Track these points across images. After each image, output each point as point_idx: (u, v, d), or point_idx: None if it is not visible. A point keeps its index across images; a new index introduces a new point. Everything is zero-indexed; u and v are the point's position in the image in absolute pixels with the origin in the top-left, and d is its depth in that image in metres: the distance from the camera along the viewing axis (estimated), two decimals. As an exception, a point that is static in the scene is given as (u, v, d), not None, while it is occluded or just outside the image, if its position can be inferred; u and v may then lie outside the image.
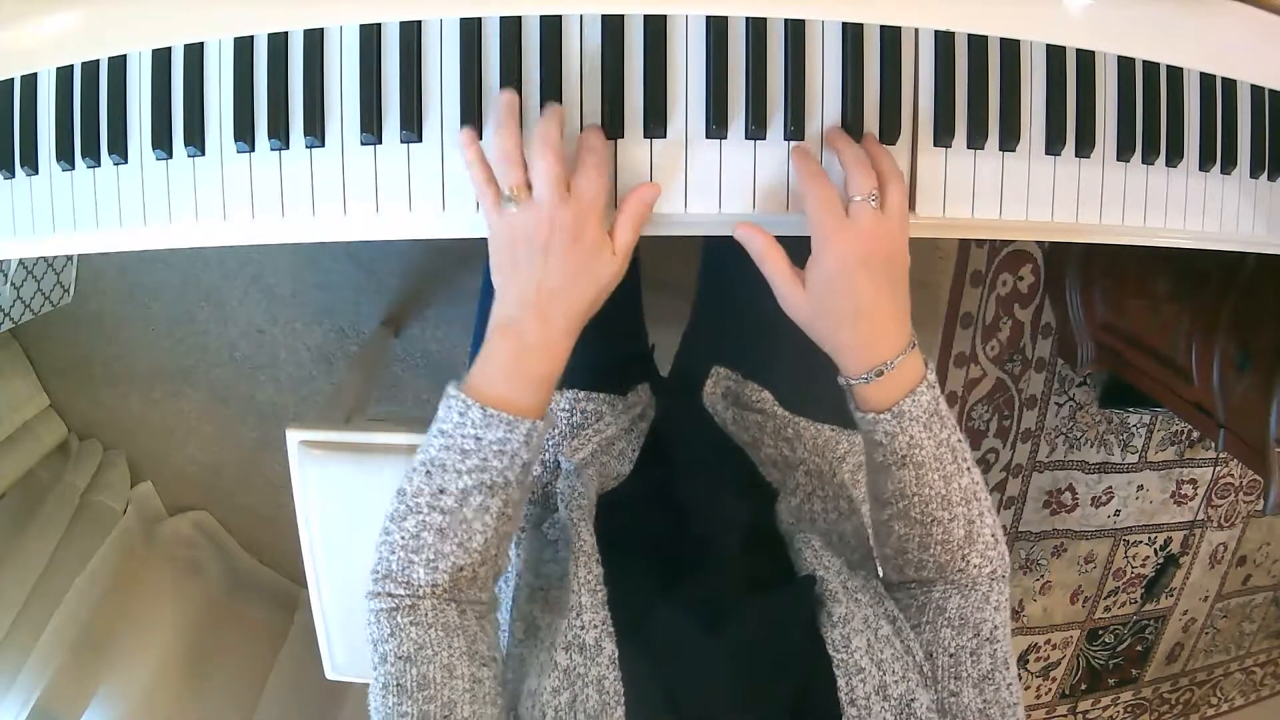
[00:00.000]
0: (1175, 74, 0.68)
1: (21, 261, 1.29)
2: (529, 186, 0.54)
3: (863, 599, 0.56)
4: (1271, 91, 0.71)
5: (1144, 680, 2.25)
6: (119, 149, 0.62)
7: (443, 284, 1.58)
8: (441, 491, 0.55)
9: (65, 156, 0.64)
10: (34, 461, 1.49)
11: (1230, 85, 0.70)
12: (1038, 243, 1.69)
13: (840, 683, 0.51)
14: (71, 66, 0.62)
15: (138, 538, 1.53)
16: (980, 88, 0.62)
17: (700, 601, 0.57)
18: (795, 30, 0.59)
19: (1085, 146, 0.65)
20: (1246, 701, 2.43)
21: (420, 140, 0.60)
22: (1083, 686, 2.20)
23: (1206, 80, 0.69)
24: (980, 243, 1.65)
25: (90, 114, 0.62)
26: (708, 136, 0.60)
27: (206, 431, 1.65)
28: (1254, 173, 0.72)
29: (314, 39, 0.59)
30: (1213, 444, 1.90)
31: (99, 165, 0.63)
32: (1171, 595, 2.15)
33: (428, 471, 0.55)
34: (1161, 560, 2.10)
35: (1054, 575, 2.02)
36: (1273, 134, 0.72)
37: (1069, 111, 0.65)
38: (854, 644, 0.52)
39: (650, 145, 0.60)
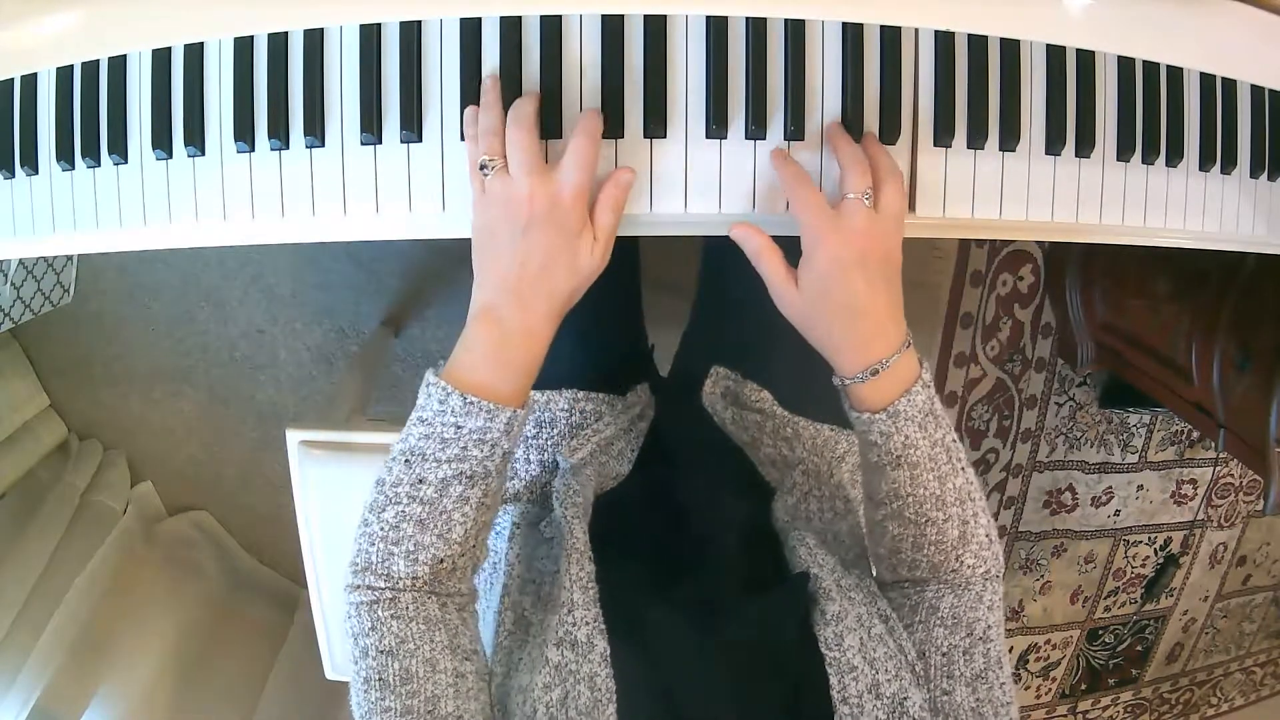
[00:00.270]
0: (1175, 74, 0.68)
1: (21, 261, 1.29)
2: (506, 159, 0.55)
3: (856, 597, 0.56)
4: (1271, 91, 0.71)
5: (1144, 680, 2.25)
6: (119, 149, 0.62)
7: (443, 284, 1.58)
8: (421, 481, 0.54)
9: (65, 156, 0.64)
10: (34, 461, 1.49)
11: (1230, 85, 0.70)
12: (1038, 243, 1.69)
13: (833, 681, 0.50)
14: (71, 66, 0.62)
15: (138, 538, 1.53)
16: (980, 88, 0.62)
17: (697, 601, 0.57)
18: (795, 30, 0.59)
19: (1085, 146, 0.65)
20: (1246, 701, 2.42)
21: (420, 140, 0.60)
22: (1083, 686, 2.20)
23: (1206, 80, 0.69)
24: (980, 243, 1.65)
25: (90, 114, 0.62)
26: (708, 137, 0.60)
27: (206, 431, 1.65)
28: (1254, 173, 0.72)
29: (314, 39, 0.59)
30: (1213, 444, 1.90)
31: (99, 165, 0.63)
32: (1171, 595, 2.15)
33: (407, 461, 0.55)
34: (1161, 560, 2.10)
35: (1054, 575, 2.02)
36: (1273, 134, 0.72)
37: (1069, 111, 0.64)
38: (847, 642, 0.52)
39: (650, 145, 0.60)
